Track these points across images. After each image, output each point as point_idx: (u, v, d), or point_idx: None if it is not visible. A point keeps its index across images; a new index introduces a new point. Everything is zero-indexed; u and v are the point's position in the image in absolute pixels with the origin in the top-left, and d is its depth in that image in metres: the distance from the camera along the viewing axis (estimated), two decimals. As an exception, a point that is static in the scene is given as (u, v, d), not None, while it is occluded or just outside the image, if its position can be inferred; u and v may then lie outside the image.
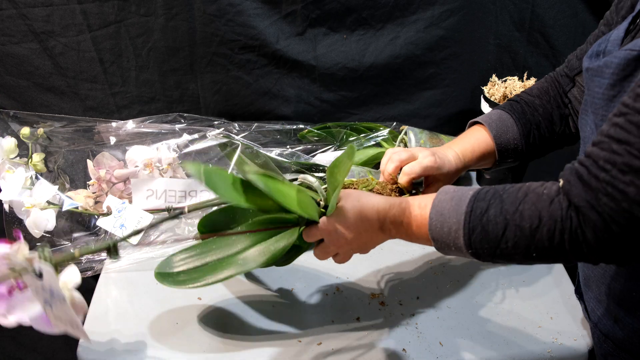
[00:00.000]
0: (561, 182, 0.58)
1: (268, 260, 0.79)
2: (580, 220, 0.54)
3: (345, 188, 0.86)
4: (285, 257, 0.85)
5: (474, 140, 0.89)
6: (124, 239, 0.77)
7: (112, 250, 0.75)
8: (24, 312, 0.72)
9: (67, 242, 1.04)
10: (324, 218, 0.73)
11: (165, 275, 0.83)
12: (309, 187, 0.84)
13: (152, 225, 0.83)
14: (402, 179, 0.85)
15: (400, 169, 0.86)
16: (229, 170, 1.06)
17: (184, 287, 0.81)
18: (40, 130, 1.06)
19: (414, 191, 0.87)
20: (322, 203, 0.78)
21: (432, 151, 0.86)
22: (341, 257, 0.78)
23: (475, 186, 0.67)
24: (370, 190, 0.85)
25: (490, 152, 0.87)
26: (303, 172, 1.12)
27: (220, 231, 0.86)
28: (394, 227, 0.71)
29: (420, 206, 0.69)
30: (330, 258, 0.79)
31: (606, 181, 0.51)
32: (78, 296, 0.76)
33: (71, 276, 0.76)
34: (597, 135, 0.55)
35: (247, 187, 0.71)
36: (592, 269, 0.76)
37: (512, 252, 0.59)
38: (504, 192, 0.62)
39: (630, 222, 0.50)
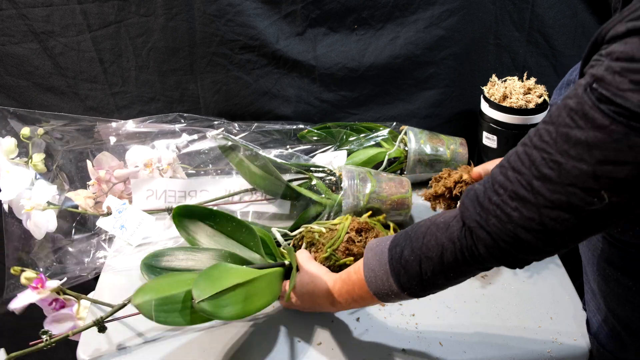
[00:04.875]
0: (459, 204, 0.63)
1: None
2: (473, 239, 0.60)
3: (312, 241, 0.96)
4: None
5: None
6: (110, 315, 0.82)
7: (100, 327, 0.81)
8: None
9: (67, 242, 1.04)
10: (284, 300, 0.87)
11: (150, 268, 0.86)
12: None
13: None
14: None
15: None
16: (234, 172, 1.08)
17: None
18: (41, 131, 1.06)
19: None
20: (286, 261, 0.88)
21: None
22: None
23: (393, 235, 0.73)
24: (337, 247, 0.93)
25: None
26: (303, 173, 1.12)
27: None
28: (342, 298, 0.78)
29: (355, 270, 0.76)
30: None
31: (496, 204, 0.57)
32: None
33: None
34: (504, 157, 0.60)
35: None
36: (596, 285, 0.78)
37: (435, 280, 0.66)
38: (412, 231, 0.69)
39: (514, 240, 0.57)
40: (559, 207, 0.52)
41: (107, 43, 1.14)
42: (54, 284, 0.86)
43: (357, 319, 0.90)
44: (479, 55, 1.26)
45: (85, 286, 1.06)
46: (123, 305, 0.81)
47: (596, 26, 1.21)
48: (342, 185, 1.02)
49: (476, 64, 1.26)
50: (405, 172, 1.19)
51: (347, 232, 0.93)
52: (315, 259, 0.92)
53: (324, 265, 0.91)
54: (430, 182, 0.97)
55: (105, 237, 1.05)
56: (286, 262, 0.87)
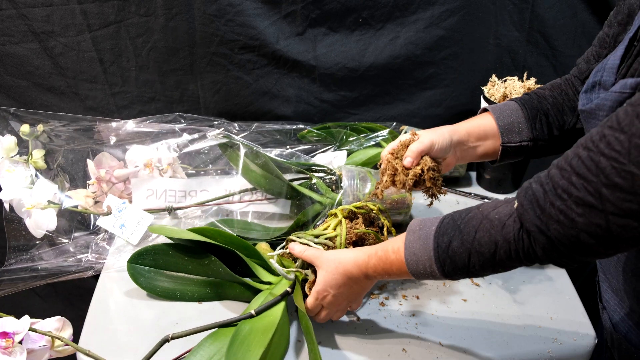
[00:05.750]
0: (516, 203, 0.62)
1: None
2: (531, 241, 0.60)
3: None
4: None
5: (475, 119, 0.90)
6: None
7: None
8: None
9: (66, 241, 1.04)
10: (310, 297, 0.84)
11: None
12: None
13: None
14: (408, 161, 0.84)
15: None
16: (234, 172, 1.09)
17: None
18: (40, 127, 1.06)
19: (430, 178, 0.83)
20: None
21: (429, 131, 0.86)
22: (340, 314, 0.87)
23: (438, 217, 0.72)
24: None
25: (493, 132, 0.87)
26: (303, 172, 1.12)
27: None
28: (377, 273, 0.78)
29: (394, 250, 0.75)
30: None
31: (560, 209, 0.56)
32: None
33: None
34: (562, 157, 0.59)
35: None
36: (629, 287, 0.78)
37: (482, 271, 0.67)
38: (461, 221, 0.68)
39: (575, 244, 0.57)
40: (629, 215, 0.52)
41: (107, 43, 1.14)
42: (22, 326, 0.77)
43: (357, 319, 0.90)
44: (479, 55, 1.26)
45: (85, 285, 1.06)
46: None
47: (596, 26, 1.21)
48: (342, 184, 1.02)
49: (476, 64, 1.26)
50: (405, 172, 1.19)
51: (346, 247, 0.91)
52: (313, 282, 0.88)
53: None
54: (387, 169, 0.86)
55: (105, 236, 1.05)
56: (288, 285, 0.87)
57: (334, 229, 0.92)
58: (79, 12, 1.09)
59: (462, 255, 0.66)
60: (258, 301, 0.87)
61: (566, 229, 0.56)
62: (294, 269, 0.89)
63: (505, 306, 0.93)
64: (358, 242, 0.93)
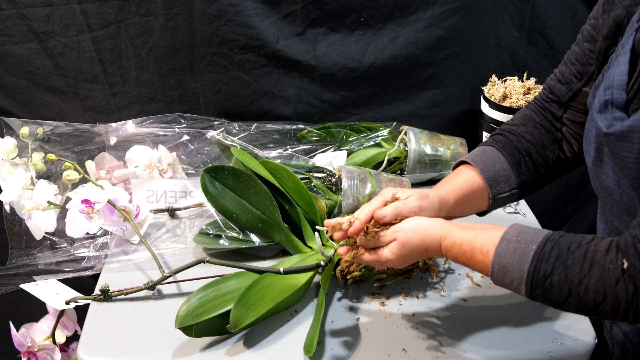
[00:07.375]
0: (625, 263, 0.59)
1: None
2: None
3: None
4: None
5: (461, 178, 0.85)
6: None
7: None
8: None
9: (67, 243, 1.04)
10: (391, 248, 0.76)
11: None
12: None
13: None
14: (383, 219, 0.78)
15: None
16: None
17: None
18: (40, 130, 1.06)
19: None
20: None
21: (418, 196, 0.80)
22: (381, 264, 0.79)
23: (538, 231, 0.67)
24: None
25: (481, 188, 0.84)
26: (303, 174, 1.12)
27: None
28: (454, 260, 0.74)
29: (482, 252, 0.70)
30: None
31: None
32: None
33: None
34: None
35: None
36: None
37: (573, 311, 0.64)
38: (568, 256, 0.63)
39: None
40: None
41: (107, 43, 1.14)
42: (102, 197, 0.92)
43: (357, 319, 0.90)
44: (479, 55, 1.26)
45: (85, 286, 1.06)
46: None
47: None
48: (342, 186, 1.02)
49: (476, 64, 1.27)
50: (405, 173, 1.19)
51: None
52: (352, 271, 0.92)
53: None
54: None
55: (105, 237, 1.05)
56: (324, 260, 0.90)
57: None
58: (79, 12, 1.09)
59: (560, 292, 0.62)
60: (291, 262, 0.92)
61: None
62: (336, 247, 0.87)
63: (505, 306, 0.93)
64: None
